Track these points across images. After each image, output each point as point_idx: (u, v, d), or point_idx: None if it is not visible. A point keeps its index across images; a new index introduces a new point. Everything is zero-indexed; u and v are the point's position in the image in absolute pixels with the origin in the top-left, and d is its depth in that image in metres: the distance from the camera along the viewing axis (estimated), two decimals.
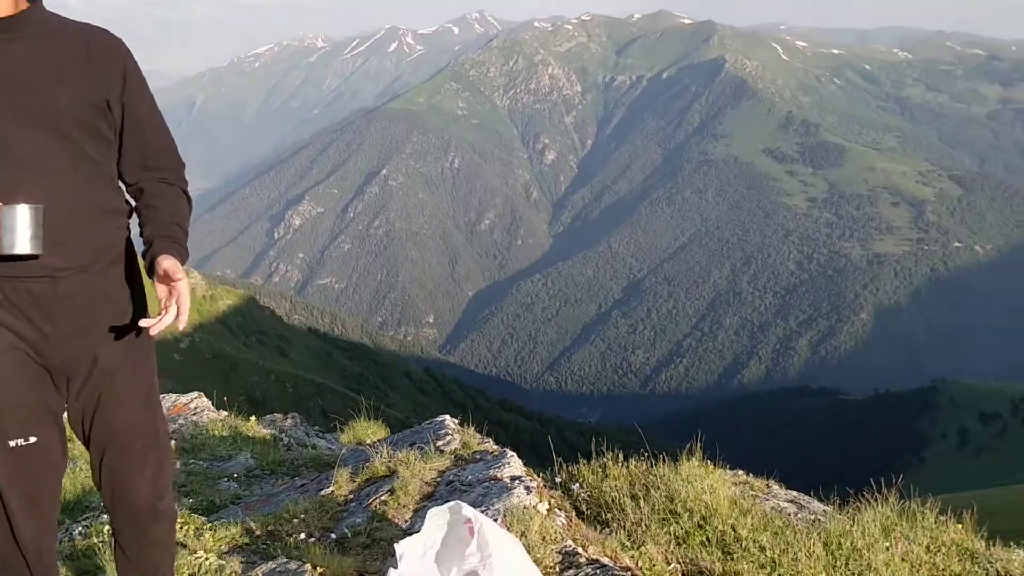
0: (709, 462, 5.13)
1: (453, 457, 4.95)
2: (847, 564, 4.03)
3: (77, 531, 3.95)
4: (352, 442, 6.32)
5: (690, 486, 4.61)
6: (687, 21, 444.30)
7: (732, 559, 3.97)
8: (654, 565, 3.88)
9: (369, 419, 6.94)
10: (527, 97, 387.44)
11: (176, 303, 2.37)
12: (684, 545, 4.17)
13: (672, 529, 4.29)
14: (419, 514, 3.93)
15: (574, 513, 4.30)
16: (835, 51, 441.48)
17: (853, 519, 4.61)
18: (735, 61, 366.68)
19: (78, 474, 5.15)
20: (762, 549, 4.06)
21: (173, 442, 6.08)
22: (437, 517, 3.10)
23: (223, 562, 3.44)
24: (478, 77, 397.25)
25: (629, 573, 3.38)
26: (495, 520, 3.62)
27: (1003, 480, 79.30)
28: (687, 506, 4.44)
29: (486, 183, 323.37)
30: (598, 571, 3.32)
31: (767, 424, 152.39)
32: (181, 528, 3.57)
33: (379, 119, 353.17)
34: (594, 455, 5.13)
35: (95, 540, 3.73)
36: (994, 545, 4.95)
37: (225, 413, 7.82)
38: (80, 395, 2.52)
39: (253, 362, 77.60)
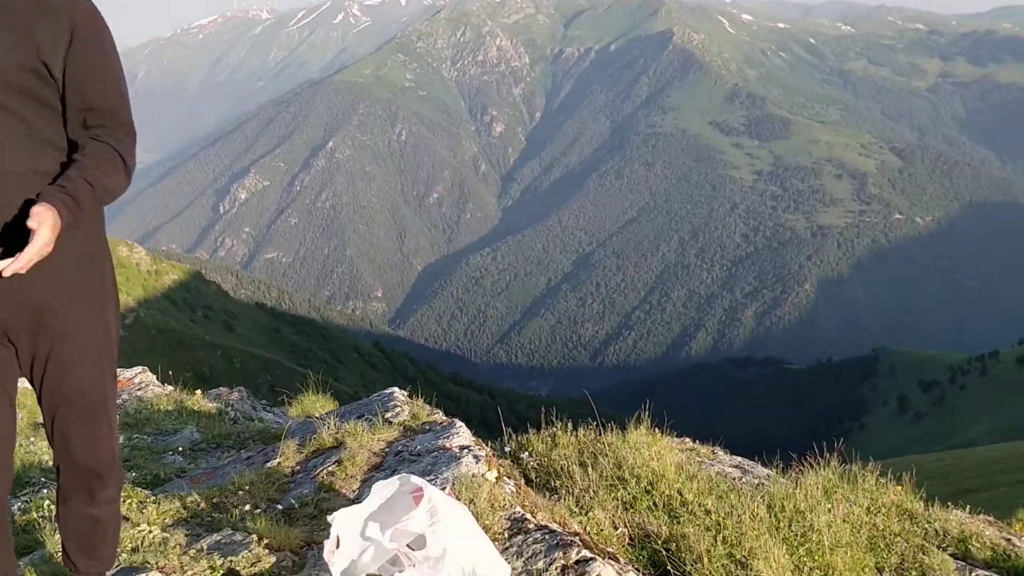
0: (656, 430, 5.18)
1: (402, 428, 4.94)
2: (790, 525, 4.10)
3: (16, 506, 3.87)
4: (300, 416, 6.26)
5: (637, 453, 4.65)
6: None
7: (678, 522, 4.02)
8: (602, 530, 3.92)
9: (318, 393, 6.88)
10: (475, 69, 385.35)
11: (26, 250, 2.18)
12: (631, 510, 4.22)
13: (620, 495, 4.33)
14: (367, 484, 3.92)
15: (523, 481, 4.32)
16: (780, 25, 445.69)
17: (796, 482, 4.69)
18: (682, 34, 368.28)
19: (17, 450, 5.04)
20: (707, 512, 4.12)
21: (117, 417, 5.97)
22: (384, 489, 3.10)
23: (167, 535, 3.39)
24: (425, 49, 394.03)
25: (577, 538, 3.41)
26: (443, 489, 3.62)
27: (941, 445, 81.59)
28: (634, 472, 4.49)
29: (434, 156, 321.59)
30: (546, 536, 3.34)
31: (714, 394, 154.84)
32: (124, 501, 3.51)
33: (325, 91, 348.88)
34: (544, 426, 5.15)
35: (35, 515, 3.66)
36: (932, 506, 5.09)
37: (170, 388, 7.71)
38: (31, 358, 2.47)
39: (200, 337, 76.70)
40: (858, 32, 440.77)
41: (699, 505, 4.23)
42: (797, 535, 4.02)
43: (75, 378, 2.49)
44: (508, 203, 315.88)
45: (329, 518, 3.05)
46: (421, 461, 4.24)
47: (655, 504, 4.29)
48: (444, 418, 5.15)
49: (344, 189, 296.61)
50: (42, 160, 2.35)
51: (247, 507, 3.83)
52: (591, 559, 3.17)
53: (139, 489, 3.95)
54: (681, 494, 4.37)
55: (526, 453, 4.99)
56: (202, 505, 3.84)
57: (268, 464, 4.54)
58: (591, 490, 4.35)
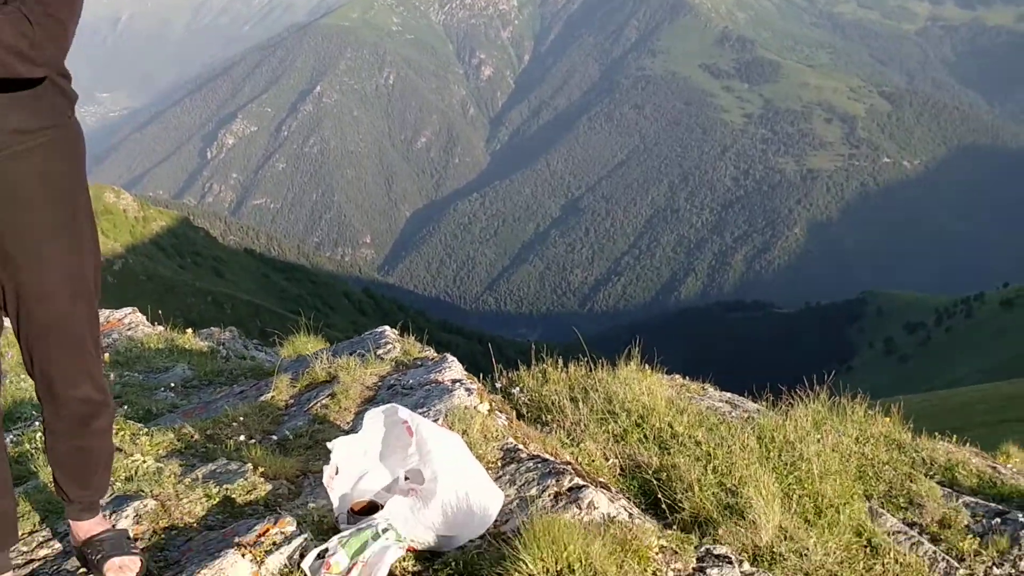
0: (646, 367, 5.21)
1: (394, 363, 4.96)
2: (779, 455, 4.15)
3: (9, 439, 3.88)
4: (292, 356, 6.26)
5: (628, 388, 4.68)
6: None
7: (668, 454, 4.07)
8: (593, 460, 3.96)
9: (309, 335, 6.87)
10: (462, 12, 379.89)
11: None
12: (622, 442, 4.26)
13: (610, 428, 4.37)
14: (360, 416, 3.94)
15: (515, 415, 4.36)
16: None
17: (786, 415, 4.75)
18: None
19: (8, 386, 5.05)
20: (697, 444, 4.16)
21: (107, 355, 5.97)
22: (374, 419, 3.15)
23: (161, 465, 3.41)
24: None
25: (569, 467, 3.44)
26: (436, 421, 3.65)
27: (927, 386, 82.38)
28: (625, 406, 4.52)
29: (422, 100, 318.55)
30: (539, 465, 3.38)
31: (703, 337, 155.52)
32: (117, 434, 3.51)
33: (312, 35, 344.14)
34: (534, 363, 5.18)
35: (28, 447, 3.67)
36: (919, 436, 5.15)
37: (160, 327, 7.70)
38: (1, 293, 2.40)
39: (189, 283, 76.54)
40: None
41: (689, 437, 4.28)
42: (787, 464, 4.08)
43: (48, 313, 2.41)
44: (496, 147, 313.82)
45: (329, 445, 3.09)
46: (414, 394, 4.26)
47: (645, 436, 4.33)
48: (435, 354, 5.17)
49: (332, 134, 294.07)
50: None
51: (241, 438, 3.85)
52: (583, 487, 3.20)
53: (131, 422, 3.96)
54: (671, 427, 4.41)
55: (517, 388, 5.02)
56: (196, 437, 3.86)
57: (261, 398, 4.56)
58: (582, 423, 4.39)
